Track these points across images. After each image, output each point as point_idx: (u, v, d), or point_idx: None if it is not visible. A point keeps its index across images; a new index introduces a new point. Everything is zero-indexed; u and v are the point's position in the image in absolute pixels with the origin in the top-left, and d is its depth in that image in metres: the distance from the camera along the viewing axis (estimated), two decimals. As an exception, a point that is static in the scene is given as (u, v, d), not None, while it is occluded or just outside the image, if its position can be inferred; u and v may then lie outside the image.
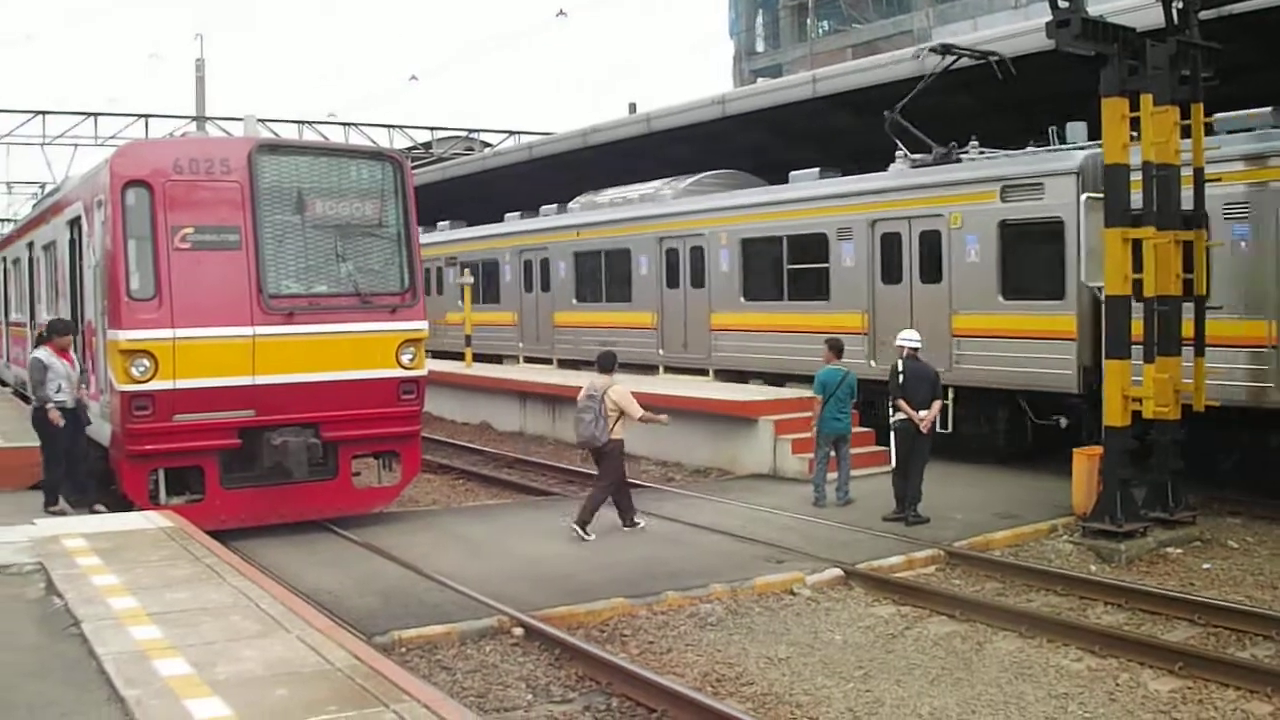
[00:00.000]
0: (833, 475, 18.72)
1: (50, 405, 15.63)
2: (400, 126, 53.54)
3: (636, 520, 17.25)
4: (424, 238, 38.29)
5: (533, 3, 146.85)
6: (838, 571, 14.76)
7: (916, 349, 17.84)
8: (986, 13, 50.62)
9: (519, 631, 12.51)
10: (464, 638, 12.34)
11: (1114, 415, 16.10)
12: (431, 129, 55.59)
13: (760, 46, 69.69)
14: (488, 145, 53.98)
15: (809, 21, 62.29)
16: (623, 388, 17.10)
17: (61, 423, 15.67)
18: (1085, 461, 16.98)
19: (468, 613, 12.89)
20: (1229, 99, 18.19)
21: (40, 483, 16.31)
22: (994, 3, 51.88)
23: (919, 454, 17.60)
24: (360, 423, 17.06)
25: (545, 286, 33.87)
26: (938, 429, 18.27)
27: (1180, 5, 16.82)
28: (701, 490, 19.66)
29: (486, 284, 36.85)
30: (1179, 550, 16.17)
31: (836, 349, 18.93)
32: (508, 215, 37.30)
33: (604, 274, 31.19)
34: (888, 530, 16.82)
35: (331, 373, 16.74)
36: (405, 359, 17.29)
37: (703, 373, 27.47)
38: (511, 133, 54.61)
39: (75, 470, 16.24)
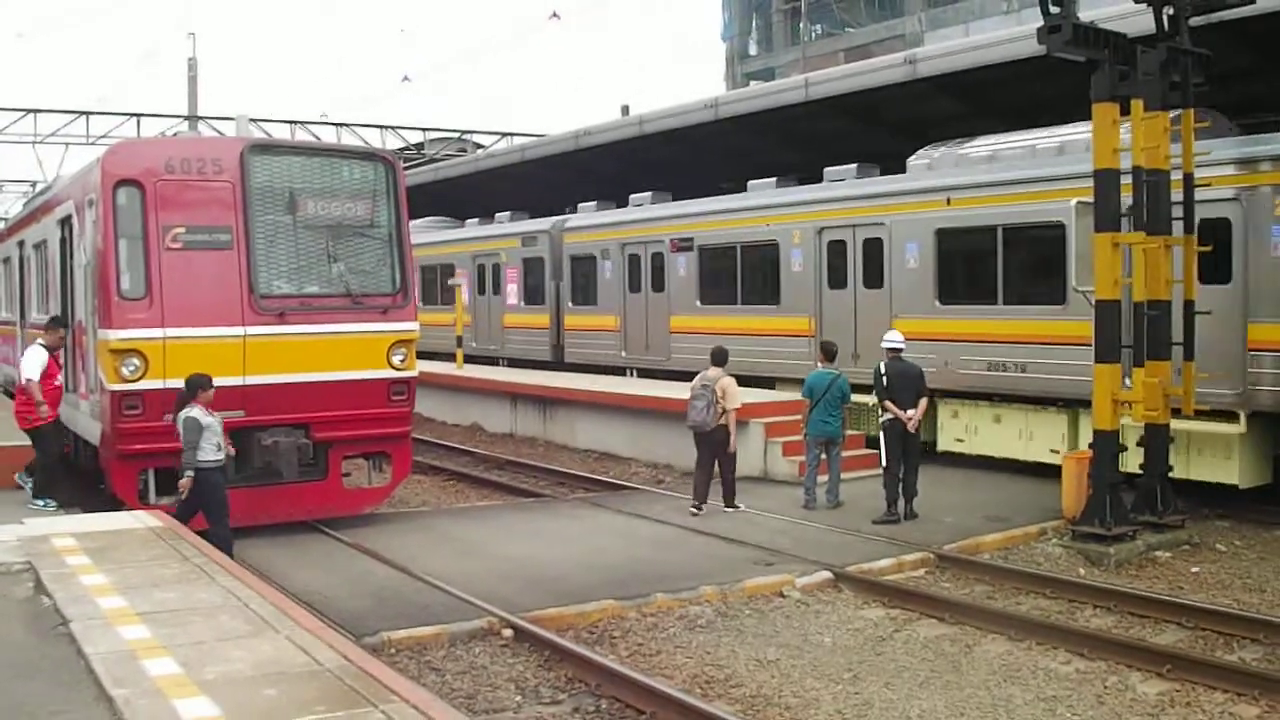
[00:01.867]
0: (823, 478, 18.77)
1: (189, 473, 14.56)
2: (393, 127, 53.40)
3: (738, 503, 18.63)
4: (605, 216, 32.35)
5: (526, 4, 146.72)
6: (827, 574, 14.78)
7: (899, 350, 18.24)
8: (978, 17, 50.68)
9: (508, 633, 12.51)
10: (453, 639, 12.34)
11: (1103, 419, 16.13)
12: (424, 130, 55.45)
13: (753, 50, 69.73)
14: (480, 146, 53.89)
15: (802, 25, 62.30)
16: (731, 379, 18.48)
17: (184, 494, 14.72)
18: (1074, 465, 17.05)
19: (457, 614, 12.90)
20: (1221, 105, 18.28)
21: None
22: (986, 7, 51.98)
23: (910, 453, 17.87)
24: (351, 423, 17.06)
25: (875, 280, 23.57)
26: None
27: (1171, 12, 16.86)
28: (692, 492, 19.65)
29: (748, 277, 26.97)
30: (1168, 554, 16.21)
31: (829, 353, 19.09)
32: (751, 184, 27.64)
33: (1000, 260, 21.33)
34: (877, 533, 16.86)
35: (322, 373, 16.75)
36: (396, 360, 17.32)
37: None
38: (504, 134, 54.54)
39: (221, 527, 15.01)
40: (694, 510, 18.47)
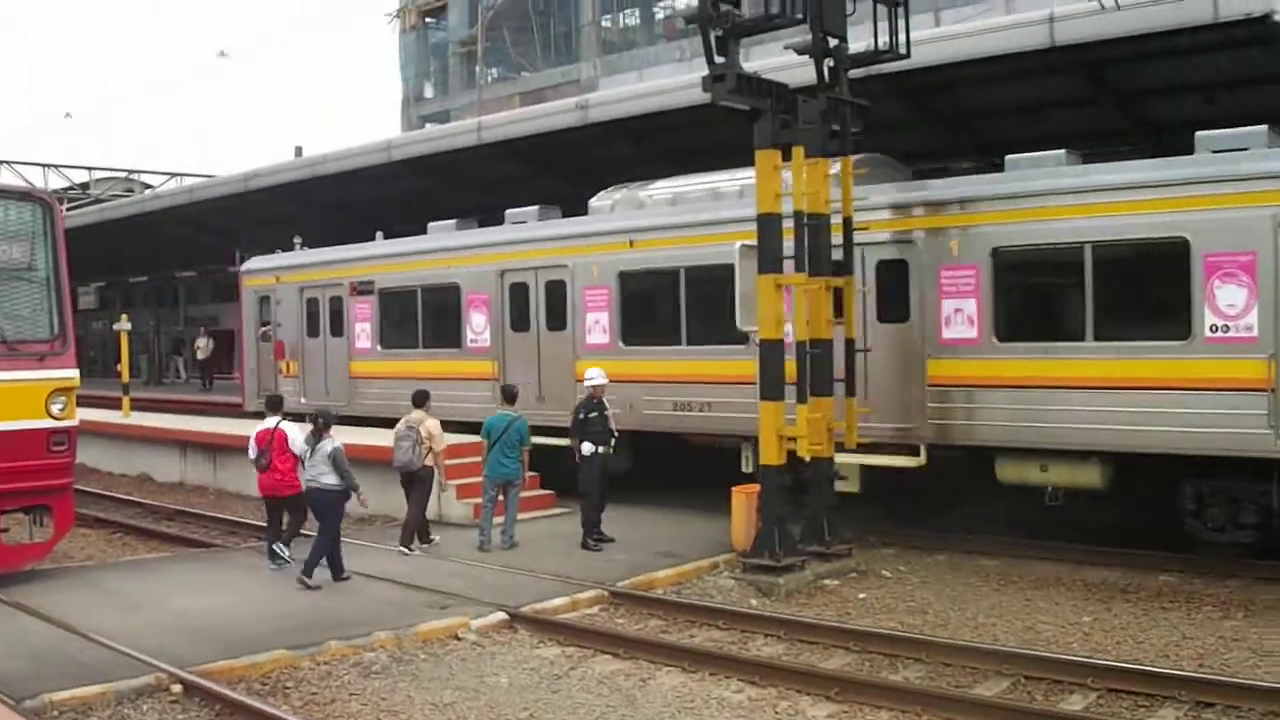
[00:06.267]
0: (500, 519, 18.83)
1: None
2: (56, 166, 51.41)
3: (432, 538, 19.18)
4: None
5: (194, 44, 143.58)
6: (502, 615, 14.82)
7: (600, 386, 18.94)
8: (653, 64, 51.65)
9: (178, 688, 12.11)
10: (120, 697, 11.87)
11: (770, 454, 16.64)
12: (90, 169, 53.56)
13: (430, 92, 69.53)
14: (149, 187, 52.37)
15: (478, 68, 62.46)
16: (435, 422, 18.92)
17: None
18: (743, 499, 17.54)
19: (124, 671, 12.41)
20: (887, 154, 19.17)
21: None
22: (659, 54, 52.98)
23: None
24: (7, 476, 16.29)
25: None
26: None
27: (832, 64, 17.58)
28: (367, 538, 19.47)
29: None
30: (836, 581, 16.85)
31: (509, 396, 19.41)
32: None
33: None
34: (553, 572, 16.97)
35: (-24, 424, 16.00)
36: (55, 409, 16.66)
37: None
38: (173, 175, 53.13)
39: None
40: (408, 550, 18.68)
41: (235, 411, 32.78)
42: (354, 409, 26.89)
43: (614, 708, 11.86)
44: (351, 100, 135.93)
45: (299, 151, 44.11)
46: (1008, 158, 18.64)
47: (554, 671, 13.04)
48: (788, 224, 17.02)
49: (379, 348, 27.17)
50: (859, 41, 18.05)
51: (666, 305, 22.09)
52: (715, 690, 12.34)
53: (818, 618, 14.99)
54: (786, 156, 16.81)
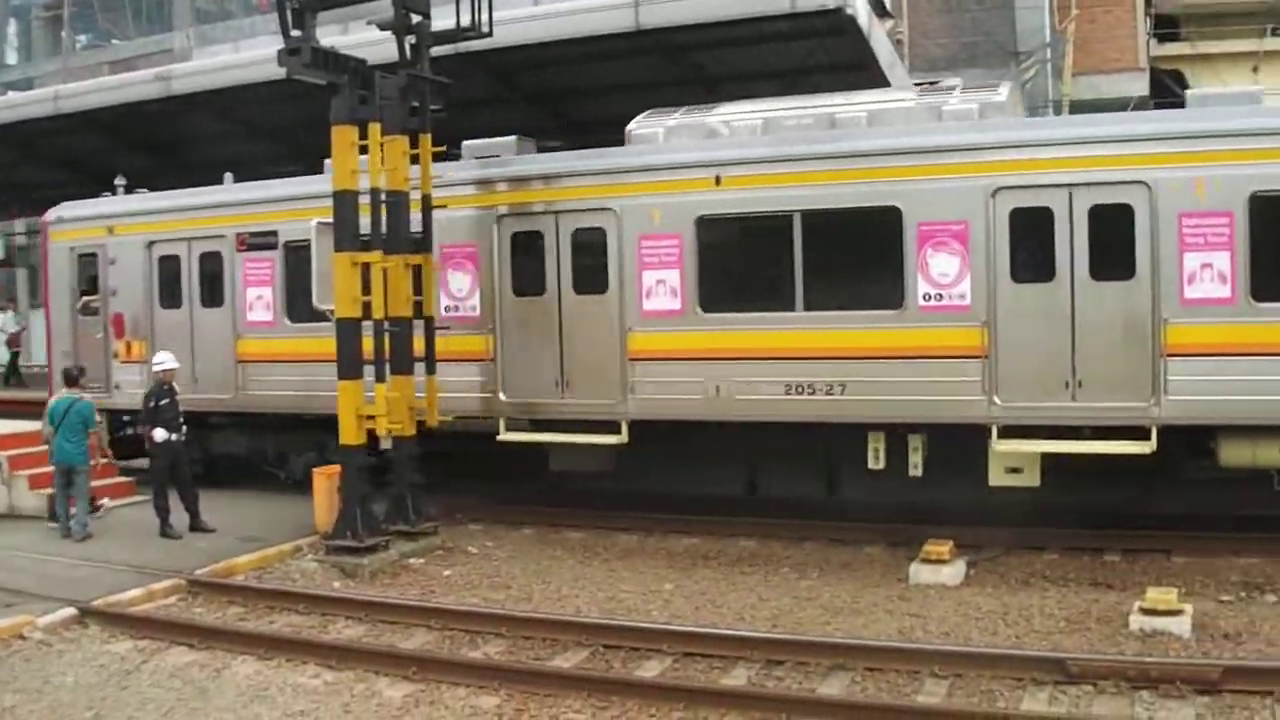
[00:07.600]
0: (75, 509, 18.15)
1: None
2: None
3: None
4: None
5: None
6: (72, 610, 14.23)
7: (171, 370, 18.57)
8: (249, 35, 50.43)
9: None
10: None
11: (349, 434, 16.55)
12: None
13: (12, 59, 65.99)
14: None
15: (65, 34, 59.63)
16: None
17: None
18: (324, 481, 17.41)
19: None
20: (467, 130, 19.23)
21: None
22: (256, 26, 51.74)
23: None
24: None
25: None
26: None
27: (414, 41, 17.53)
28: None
29: None
30: (421, 560, 16.90)
31: (68, 378, 18.90)
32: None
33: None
34: (127, 563, 16.47)
35: None
36: None
37: None
38: None
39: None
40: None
41: None
42: (242, 403, 21.24)
43: (184, 700, 11.62)
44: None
45: None
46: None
47: (124, 667, 12.65)
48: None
49: (286, 321, 20.66)
50: (447, 20, 17.91)
51: (767, 260, 17.83)
52: (291, 676, 12.23)
53: (400, 597, 15.00)
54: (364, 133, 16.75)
